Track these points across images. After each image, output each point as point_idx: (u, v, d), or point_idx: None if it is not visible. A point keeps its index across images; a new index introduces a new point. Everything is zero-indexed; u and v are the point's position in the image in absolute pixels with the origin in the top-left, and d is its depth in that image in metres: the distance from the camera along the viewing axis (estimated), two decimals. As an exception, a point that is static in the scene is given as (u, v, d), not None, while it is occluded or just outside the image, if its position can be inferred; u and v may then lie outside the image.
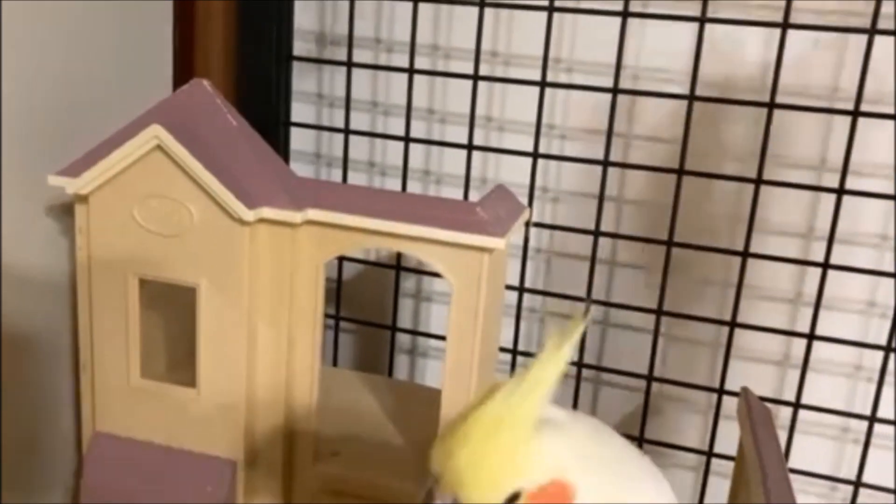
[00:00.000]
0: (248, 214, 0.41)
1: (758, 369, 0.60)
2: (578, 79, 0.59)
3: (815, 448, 0.60)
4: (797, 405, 0.56)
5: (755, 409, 0.50)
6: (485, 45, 0.59)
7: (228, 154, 0.43)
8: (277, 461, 0.46)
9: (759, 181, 0.53)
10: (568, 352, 0.26)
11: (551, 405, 0.27)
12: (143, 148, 0.42)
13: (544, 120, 0.59)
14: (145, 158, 0.42)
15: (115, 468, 0.47)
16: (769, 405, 0.52)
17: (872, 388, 0.55)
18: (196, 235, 0.43)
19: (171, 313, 0.47)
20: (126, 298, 0.45)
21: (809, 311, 0.55)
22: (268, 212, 0.42)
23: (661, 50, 0.57)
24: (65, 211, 0.49)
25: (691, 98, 0.53)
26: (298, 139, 0.66)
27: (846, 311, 0.58)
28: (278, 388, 0.45)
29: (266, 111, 0.62)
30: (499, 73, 0.61)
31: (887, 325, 0.55)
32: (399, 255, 0.64)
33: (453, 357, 0.44)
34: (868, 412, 0.55)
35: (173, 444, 0.46)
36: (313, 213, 0.43)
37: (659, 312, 0.57)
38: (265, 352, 0.45)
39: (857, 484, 0.56)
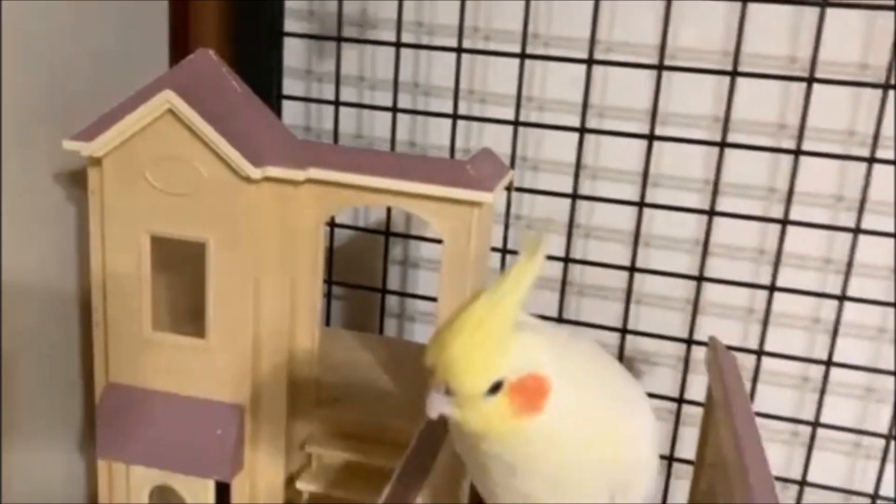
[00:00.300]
0: (255, 172, 0.45)
1: (725, 323, 0.65)
2: (555, 53, 0.63)
3: (777, 395, 0.64)
4: (760, 353, 0.60)
5: (722, 356, 0.55)
6: (467, 22, 0.63)
7: (234, 117, 0.46)
8: (282, 406, 0.50)
9: (723, 144, 0.58)
10: (541, 259, 0.29)
11: (533, 316, 0.31)
12: (156, 112, 0.45)
13: (524, 92, 0.63)
14: (157, 122, 0.45)
15: (127, 417, 0.50)
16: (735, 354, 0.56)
17: (833, 339, 0.60)
18: (205, 194, 0.46)
19: (181, 269, 0.50)
20: (139, 255, 0.48)
21: (771, 267, 0.60)
22: (272, 170, 0.45)
23: (631, 24, 0.61)
24: (69, 179, 0.52)
25: (660, 68, 0.57)
26: (290, 113, 0.69)
27: (805, 268, 0.62)
28: (282, 338, 0.49)
29: (259, 85, 0.65)
30: (480, 47, 0.65)
31: (842, 279, 0.59)
32: (388, 222, 0.68)
33: (445, 308, 0.47)
34: (831, 367, 0.60)
35: (184, 391, 0.49)
36: (314, 172, 0.46)
37: (632, 269, 0.61)
38: (270, 304, 0.48)
39: (816, 425, 0.61)
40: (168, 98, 0.44)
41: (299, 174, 0.46)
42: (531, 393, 0.29)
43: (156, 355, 0.49)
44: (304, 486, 0.49)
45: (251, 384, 0.49)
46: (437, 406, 0.29)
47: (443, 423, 0.39)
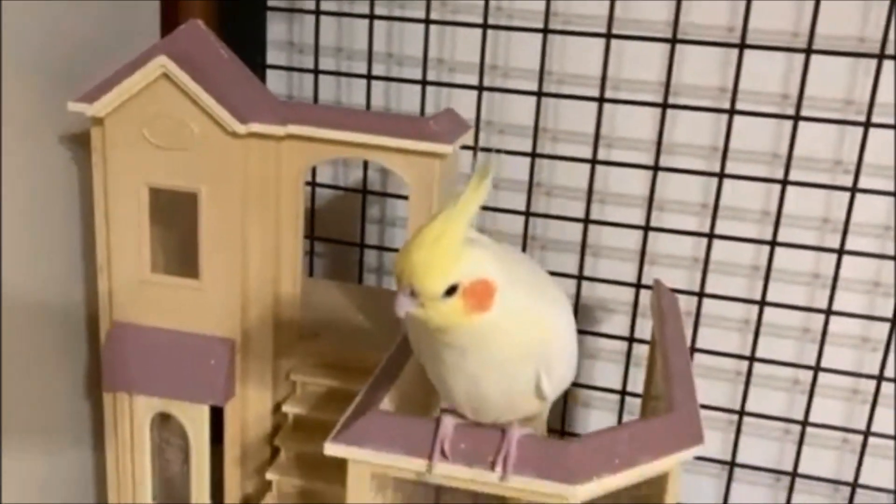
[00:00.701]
0: (241, 128, 0.50)
1: (673, 272, 0.71)
2: (517, 23, 0.69)
3: (723, 336, 0.71)
4: (701, 294, 0.67)
5: (664, 298, 0.61)
6: (435, -5, 0.68)
7: (222, 80, 0.52)
8: (268, 339, 0.56)
9: (665, 105, 0.64)
10: (488, 184, 0.35)
11: (482, 235, 0.37)
12: (152, 76, 0.50)
13: (488, 60, 0.69)
14: (153, 84, 0.51)
15: (130, 352, 0.56)
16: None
17: (772, 284, 0.66)
18: (197, 148, 0.51)
19: (175, 218, 0.55)
20: (138, 205, 0.54)
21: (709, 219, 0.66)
22: (256, 126, 0.51)
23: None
24: (72, 140, 0.57)
25: (608, 36, 0.63)
26: (273, 82, 0.75)
27: (745, 220, 0.68)
28: (267, 279, 0.55)
29: (244, 56, 0.71)
30: (448, 18, 0.70)
31: (781, 228, 0.66)
32: (365, 181, 0.73)
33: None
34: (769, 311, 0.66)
35: (180, 327, 0.55)
36: (294, 128, 0.52)
37: (586, 221, 0.68)
38: (256, 248, 0.54)
39: (752, 359, 0.67)
40: (163, 63, 0.50)
41: (280, 130, 0.51)
42: (481, 295, 0.35)
43: (154, 295, 0.55)
44: (290, 409, 0.55)
45: (240, 320, 0.55)
46: (403, 305, 0.35)
47: (406, 345, 0.45)
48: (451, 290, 0.34)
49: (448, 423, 0.40)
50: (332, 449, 0.41)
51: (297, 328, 0.56)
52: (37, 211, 0.56)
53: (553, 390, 0.39)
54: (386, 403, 0.43)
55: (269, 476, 0.54)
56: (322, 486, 0.54)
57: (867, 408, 0.67)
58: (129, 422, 0.58)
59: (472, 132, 0.57)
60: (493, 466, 0.39)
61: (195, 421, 0.56)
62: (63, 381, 0.60)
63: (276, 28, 0.74)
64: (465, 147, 0.64)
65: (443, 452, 0.39)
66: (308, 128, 0.52)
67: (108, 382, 0.57)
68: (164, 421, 0.58)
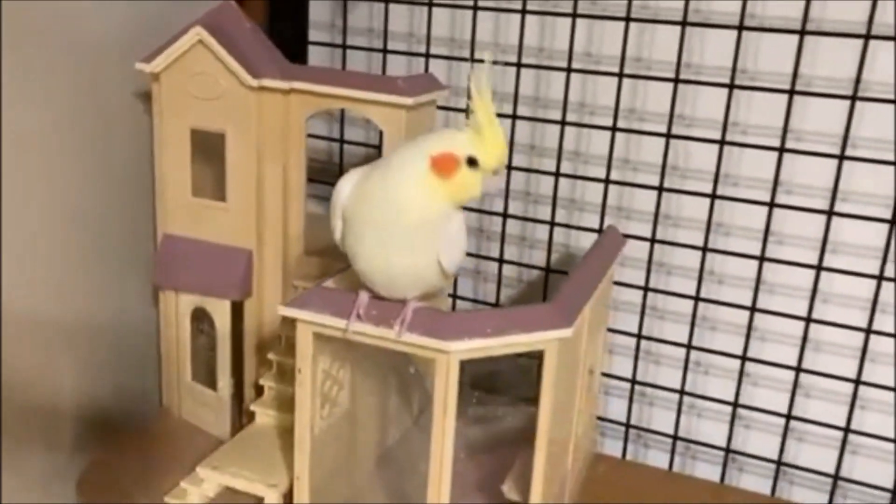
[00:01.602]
0: (254, 83, 0.65)
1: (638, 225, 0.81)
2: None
3: (682, 284, 0.80)
4: (653, 241, 0.77)
5: (610, 238, 0.71)
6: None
7: (244, 46, 0.67)
8: (279, 251, 0.70)
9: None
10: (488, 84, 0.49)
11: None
12: (191, 41, 0.66)
13: (490, 39, 0.81)
14: (192, 48, 0.66)
15: (175, 256, 0.72)
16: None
17: (725, 240, 0.76)
18: (224, 98, 0.67)
19: (210, 154, 0.71)
20: (183, 144, 0.70)
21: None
22: (267, 81, 0.66)
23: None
24: (140, 98, 0.74)
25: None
26: (315, 56, 0.90)
27: (701, 180, 0.78)
28: (279, 201, 0.69)
29: (292, 33, 0.87)
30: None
31: (732, 191, 0.75)
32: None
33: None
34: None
35: (211, 239, 0.71)
36: (297, 84, 0.66)
37: (557, 175, 0.79)
38: (270, 179, 0.69)
39: (697, 299, 0.77)
40: (198, 31, 0.66)
41: (286, 84, 0.66)
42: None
43: (193, 213, 0.71)
44: (289, 307, 0.70)
45: (256, 235, 0.70)
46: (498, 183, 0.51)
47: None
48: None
49: (364, 295, 0.54)
50: (283, 311, 0.55)
51: (302, 242, 0.71)
52: (116, 149, 0.73)
53: (450, 264, 0.52)
54: (329, 283, 0.57)
55: (269, 356, 0.69)
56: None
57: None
58: (175, 314, 0.74)
59: (445, 91, 0.70)
60: (392, 326, 0.52)
61: (220, 313, 0.71)
62: (131, 280, 0.78)
63: (318, 10, 0.89)
64: (445, 108, 0.77)
65: (358, 316, 0.53)
66: (306, 84, 0.66)
67: (158, 282, 0.74)
68: (199, 314, 0.74)
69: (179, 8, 0.76)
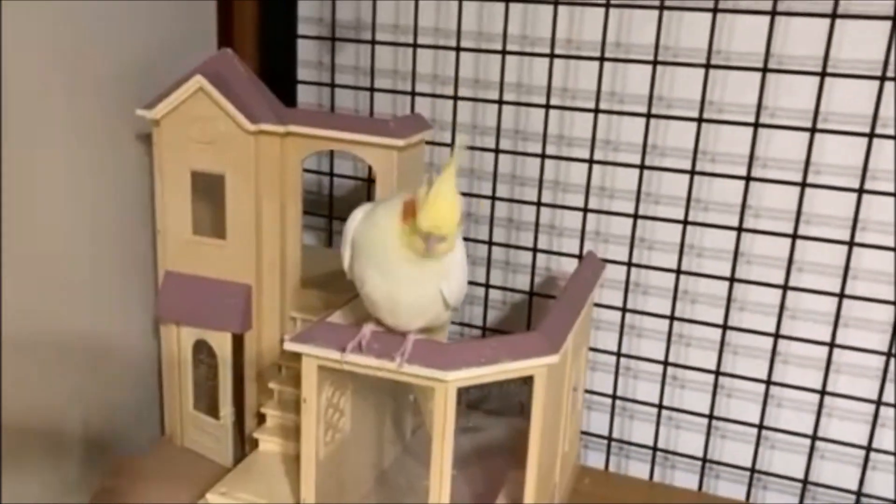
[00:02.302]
0: (252, 127, 0.69)
1: (615, 248, 0.86)
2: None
3: (657, 303, 0.85)
4: (629, 265, 0.82)
5: (589, 264, 0.76)
6: (437, 24, 0.86)
7: (241, 92, 0.71)
8: (277, 285, 0.74)
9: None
10: (457, 160, 0.52)
11: None
12: (192, 89, 0.70)
13: (469, 76, 0.86)
14: (193, 95, 0.70)
15: (177, 291, 0.75)
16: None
17: (699, 261, 0.81)
18: (223, 142, 0.71)
19: (209, 195, 0.75)
20: (184, 185, 0.73)
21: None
22: (265, 126, 0.70)
23: None
24: (141, 140, 0.78)
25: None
26: (304, 94, 0.94)
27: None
28: (277, 238, 0.73)
29: (281, 74, 0.91)
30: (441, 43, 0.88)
31: (703, 216, 0.80)
32: (370, 170, 0.91)
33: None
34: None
35: (211, 275, 0.74)
36: (293, 127, 0.70)
37: (539, 204, 0.83)
38: (267, 217, 0.73)
39: (673, 318, 0.81)
40: (198, 80, 0.69)
41: (282, 128, 0.70)
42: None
43: (194, 251, 0.74)
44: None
45: (255, 271, 0.73)
46: (436, 246, 0.53)
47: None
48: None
49: (367, 329, 0.57)
50: (289, 346, 0.59)
51: (298, 276, 0.75)
52: (119, 188, 0.77)
53: (451, 296, 0.56)
54: (337, 317, 0.61)
55: (271, 385, 0.73)
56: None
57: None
58: (177, 346, 0.78)
59: (431, 131, 0.74)
60: (393, 358, 0.56)
61: (222, 345, 0.75)
62: (135, 312, 0.81)
63: (306, 51, 0.93)
64: (431, 143, 0.82)
65: (360, 348, 0.57)
66: (302, 127, 0.70)
67: (161, 316, 0.77)
68: (202, 347, 0.77)
69: (176, 51, 0.80)
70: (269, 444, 0.72)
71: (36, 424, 0.72)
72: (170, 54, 0.80)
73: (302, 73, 0.94)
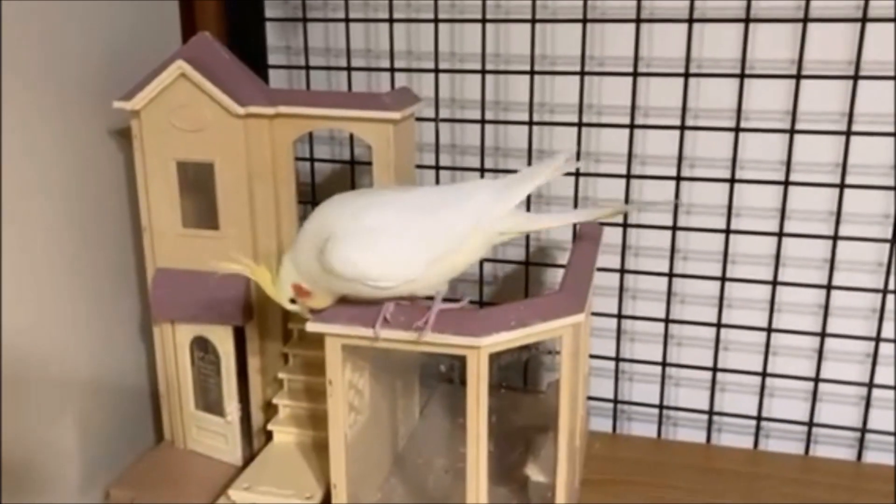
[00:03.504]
0: (241, 111, 0.67)
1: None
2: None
3: (653, 263, 0.86)
4: (625, 226, 0.82)
5: (587, 227, 0.75)
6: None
7: (225, 76, 0.68)
8: (273, 272, 0.72)
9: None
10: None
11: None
12: (173, 75, 0.67)
13: (444, 49, 0.85)
14: (175, 82, 0.67)
15: (170, 288, 0.73)
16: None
17: (688, 218, 0.81)
18: (210, 129, 0.68)
19: (198, 184, 0.72)
20: (169, 176, 0.70)
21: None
22: (253, 109, 0.67)
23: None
24: (115, 133, 0.74)
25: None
26: (275, 78, 0.92)
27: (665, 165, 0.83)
28: (272, 224, 0.71)
29: (251, 58, 0.87)
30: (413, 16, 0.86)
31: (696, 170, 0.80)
32: (352, 154, 0.90)
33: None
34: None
35: (206, 268, 0.71)
36: (282, 108, 0.68)
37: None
38: (260, 204, 0.70)
39: (671, 276, 0.82)
40: (180, 65, 0.67)
41: (271, 110, 0.68)
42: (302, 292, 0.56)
43: (186, 244, 0.72)
44: (294, 326, 0.71)
45: (252, 259, 0.71)
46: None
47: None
48: (293, 300, 0.57)
49: (389, 304, 0.56)
50: (312, 326, 0.57)
51: (296, 264, 0.73)
52: (91, 189, 0.73)
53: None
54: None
55: (280, 375, 0.71)
56: (321, 381, 0.70)
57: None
58: (173, 346, 0.75)
59: (420, 104, 0.73)
60: (420, 329, 0.55)
61: (223, 340, 0.72)
62: (118, 318, 0.78)
63: (274, 34, 0.91)
64: (420, 118, 0.80)
65: (386, 320, 0.55)
66: (292, 107, 0.68)
67: (156, 316, 0.74)
68: (199, 344, 0.75)
69: (140, 41, 0.77)
70: (284, 435, 0.70)
71: (27, 442, 0.69)
72: (134, 45, 0.77)
73: (270, 59, 0.91)
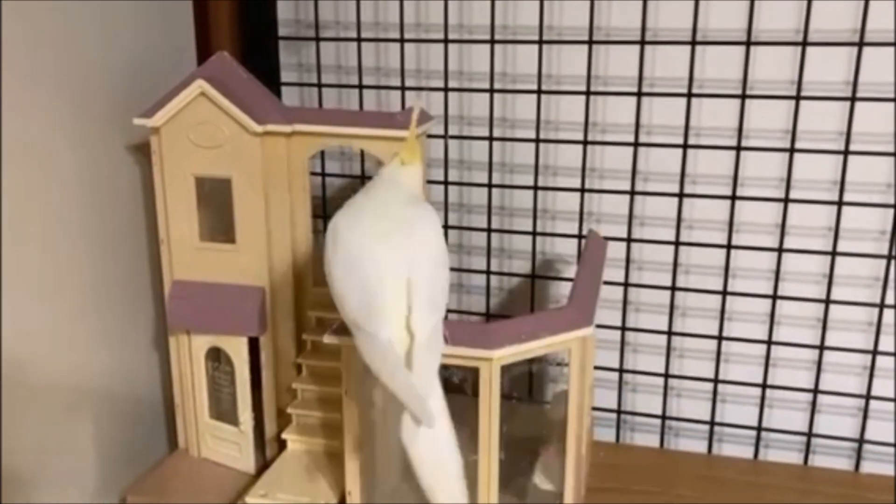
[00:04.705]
0: (259, 129, 0.69)
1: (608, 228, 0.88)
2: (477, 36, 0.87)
3: (653, 277, 0.88)
4: (629, 240, 0.84)
5: (594, 242, 0.78)
6: (414, 19, 0.87)
7: (243, 94, 0.70)
8: (290, 285, 0.74)
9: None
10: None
11: None
12: (193, 94, 0.69)
13: (453, 68, 0.87)
14: (194, 100, 0.70)
15: (186, 299, 0.75)
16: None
17: (690, 233, 0.83)
18: (228, 145, 0.70)
19: (215, 199, 0.74)
20: (187, 191, 0.72)
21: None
22: (270, 126, 0.70)
23: None
24: (134, 150, 0.77)
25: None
26: (287, 95, 0.94)
27: (668, 181, 0.85)
28: (287, 237, 0.73)
29: (263, 76, 0.90)
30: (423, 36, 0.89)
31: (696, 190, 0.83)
32: (362, 170, 0.92)
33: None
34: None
35: (223, 281, 0.74)
36: (298, 126, 0.70)
37: (535, 188, 0.85)
38: (276, 218, 0.73)
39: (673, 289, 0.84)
40: (200, 84, 0.69)
41: (288, 128, 0.70)
42: None
43: (203, 257, 0.74)
44: (308, 337, 0.73)
45: (268, 273, 0.73)
46: None
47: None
48: None
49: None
50: (329, 338, 0.59)
51: (311, 273, 0.75)
52: (108, 202, 0.75)
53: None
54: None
55: (294, 385, 0.73)
56: (334, 392, 0.72)
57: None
58: (188, 356, 0.77)
59: (433, 122, 0.75)
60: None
61: (238, 351, 0.74)
62: (134, 328, 0.80)
63: (287, 52, 0.93)
64: (433, 136, 0.83)
65: None
66: (308, 125, 0.70)
67: (172, 326, 0.76)
68: (213, 354, 0.77)
69: (155, 60, 0.79)
70: (297, 443, 0.72)
71: (45, 449, 0.70)
72: (150, 62, 0.79)
73: (282, 76, 0.93)
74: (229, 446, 0.77)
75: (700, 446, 0.89)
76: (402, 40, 0.86)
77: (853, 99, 0.76)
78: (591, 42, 0.81)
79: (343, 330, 0.59)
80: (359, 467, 0.62)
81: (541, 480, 0.67)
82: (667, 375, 0.87)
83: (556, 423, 0.73)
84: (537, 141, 0.85)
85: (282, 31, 0.92)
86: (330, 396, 0.72)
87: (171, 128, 0.71)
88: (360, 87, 0.88)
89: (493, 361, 0.56)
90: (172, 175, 0.73)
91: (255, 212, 0.72)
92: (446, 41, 0.84)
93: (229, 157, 0.71)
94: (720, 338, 0.84)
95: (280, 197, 0.72)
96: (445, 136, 0.87)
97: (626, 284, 0.86)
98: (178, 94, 0.70)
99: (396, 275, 0.53)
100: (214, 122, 0.70)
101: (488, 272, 0.90)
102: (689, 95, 0.80)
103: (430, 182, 0.88)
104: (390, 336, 0.51)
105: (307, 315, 0.75)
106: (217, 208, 0.74)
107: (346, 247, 0.55)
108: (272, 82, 0.91)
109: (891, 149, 0.78)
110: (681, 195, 0.82)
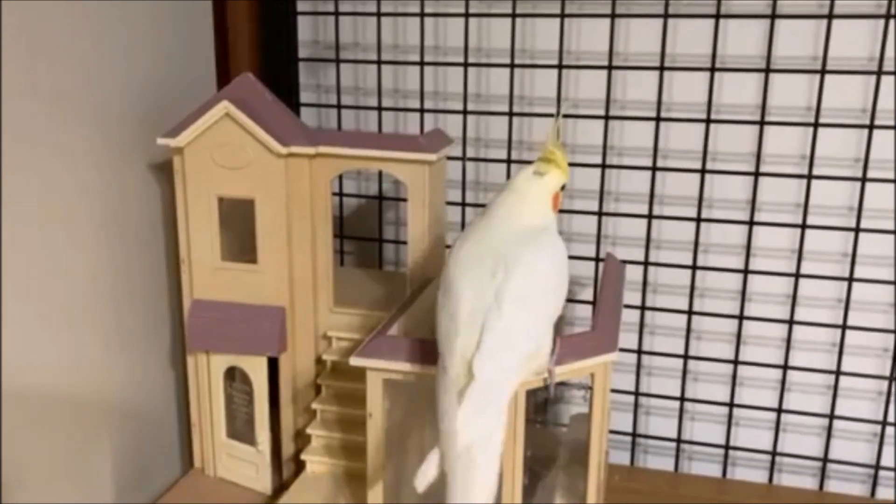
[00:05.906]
0: (283, 150, 0.69)
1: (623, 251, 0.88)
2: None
3: (669, 300, 0.88)
4: (646, 264, 0.84)
5: (612, 266, 0.78)
6: (431, 41, 0.88)
7: (267, 116, 0.71)
8: (310, 305, 0.74)
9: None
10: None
11: None
12: (218, 115, 0.70)
13: (470, 90, 0.88)
14: (219, 121, 0.70)
15: (207, 320, 0.75)
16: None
17: (705, 257, 0.84)
18: (251, 166, 0.71)
19: (238, 220, 0.74)
20: (210, 211, 0.73)
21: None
22: (294, 148, 0.70)
23: None
24: (155, 169, 0.77)
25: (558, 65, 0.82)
26: (306, 116, 0.95)
27: (684, 205, 0.86)
28: (307, 260, 0.73)
29: (283, 96, 0.91)
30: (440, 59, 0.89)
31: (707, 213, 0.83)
32: (380, 190, 0.92)
33: (414, 244, 0.72)
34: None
35: (243, 301, 0.74)
36: (322, 148, 0.71)
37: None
38: (298, 239, 0.73)
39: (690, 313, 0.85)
40: (225, 105, 0.69)
41: (311, 150, 0.70)
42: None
43: (224, 277, 0.74)
44: (328, 357, 0.73)
45: (288, 293, 0.73)
46: None
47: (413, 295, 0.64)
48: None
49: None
50: (355, 361, 0.59)
51: (331, 298, 0.75)
52: (129, 221, 0.75)
53: None
54: (394, 330, 0.62)
55: (314, 406, 0.73)
56: (354, 413, 0.72)
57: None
58: (207, 375, 0.77)
59: (453, 145, 0.76)
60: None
61: (257, 370, 0.74)
62: (152, 347, 0.80)
63: (307, 73, 0.94)
64: (451, 158, 0.83)
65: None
66: (331, 147, 0.71)
67: (191, 345, 0.76)
68: (231, 375, 0.77)
69: (175, 81, 0.80)
70: (316, 464, 0.72)
71: (61, 466, 0.70)
72: (171, 83, 0.79)
73: (304, 97, 0.94)
74: (246, 466, 0.77)
75: (714, 470, 0.89)
76: (421, 63, 0.86)
77: (871, 127, 0.76)
78: (610, 67, 0.81)
79: (370, 351, 0.59)
80: (382, 490, 0.62)
81: (562, 502, 0.67)
82: (682, 399, 0.87)
83: (574, 445, 0.73)
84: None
85: (302, 53, 0.93)
86: (350, 417, 0.72)
87: (195, 148, 0.72)
88: (380, 108, 0.89)
89: (519, 387, 0.56)
90: (195, 195, 0.73)
91: (277, 232, 0.72)
92: (466, 64, 0.85)
93: (253, 178, 0.71)
94: (735, 362, 0.85)
95: (302, 217, 0.72)
96: (463, 158, 0.87)
97: (642, 308, 0.86)
98: (203, 115, 0.70)
99: (473, 311, 0.52)
100: (239, 144, 0.70)
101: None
102: (708, 121, 0.80)
103: (447, 203, 0.88)
104: (457, 373, 0.51)
105: (327, 335, 0.75)
106: (238, 228, 0.74)
107: (446, 272, 0.55)
108: (290, 103, 0.92)
109: (907, 176, 0.79)
110: (698, 219, 0.83)
